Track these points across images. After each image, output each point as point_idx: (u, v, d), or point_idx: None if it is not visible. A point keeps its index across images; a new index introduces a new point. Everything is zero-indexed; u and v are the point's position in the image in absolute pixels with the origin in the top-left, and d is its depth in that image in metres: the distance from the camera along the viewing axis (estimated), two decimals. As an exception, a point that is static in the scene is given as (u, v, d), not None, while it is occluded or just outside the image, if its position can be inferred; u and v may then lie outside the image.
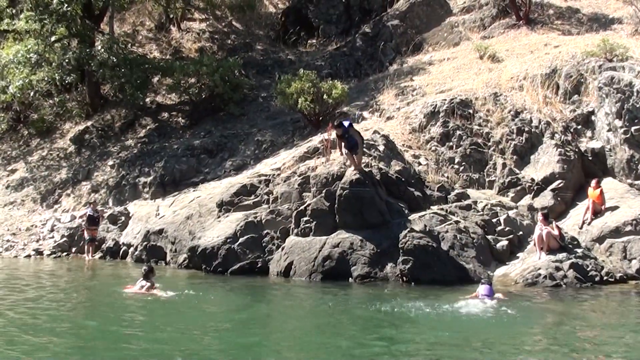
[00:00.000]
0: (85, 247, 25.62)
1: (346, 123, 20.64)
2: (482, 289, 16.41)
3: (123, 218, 26.64)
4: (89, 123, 33.52)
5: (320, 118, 27.31)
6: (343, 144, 20.50)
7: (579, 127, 23.73)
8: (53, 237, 27.23)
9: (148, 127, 32.50)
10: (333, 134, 21.35)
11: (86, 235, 25.70)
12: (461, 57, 29.28)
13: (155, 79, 33.52)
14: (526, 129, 23.73)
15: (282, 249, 20.67)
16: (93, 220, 25.64)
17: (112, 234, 26.12)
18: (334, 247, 19.61)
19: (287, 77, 27.89)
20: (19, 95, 31.72)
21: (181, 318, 14.51)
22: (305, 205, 20.87)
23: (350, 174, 20.22)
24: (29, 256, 25.84)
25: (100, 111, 34.07)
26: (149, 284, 17.04)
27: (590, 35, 27.26)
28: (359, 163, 20.34)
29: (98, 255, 25.40)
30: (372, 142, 22.49)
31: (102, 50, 30.86)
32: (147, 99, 33.20)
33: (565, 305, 16.39)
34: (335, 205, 20.05)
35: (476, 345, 12.17)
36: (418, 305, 15.44)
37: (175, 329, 13.25)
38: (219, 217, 22.66)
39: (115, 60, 30.40)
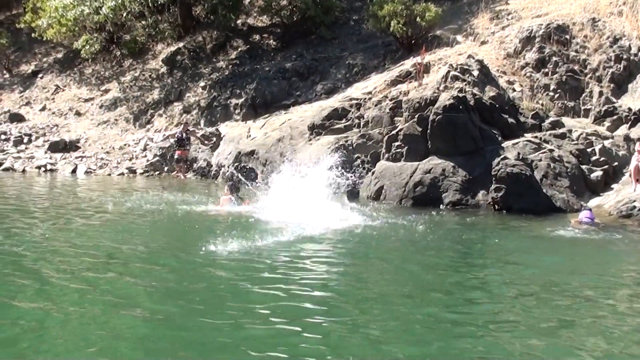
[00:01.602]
0: (176, 167, 26.20)
1: None
2: (584, 214, 16.50)
3: (214, 139, 27.12)
4: (181, 44, 33.97)
5: (413, 41, 26.96)
6: None
7: (682, 55, 22.88)
8: (146, 156, 27.88)
9: (239, 49, 32.76)
10: (426, 58, 21.11)
11: (175, 155, 26.28)
12: (559, -20, 28.33)
13: (247, 1, 33.58)
14: (625, 56, 23.00)
15: (373, 173, 20.78)
16: (181, 141, 26.15)
17: (203, 154, 26.63)
18: (425, 173, 19.58)
19: (380, -1, 27.59)
20: (111, 16, 32.21)
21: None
22: (396, 130, 20.83)
23: (444, 98, 20.04)
24: (122, 174, 26.49)
25: (192, 33, 34.45)
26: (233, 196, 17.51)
27: (699, -43, 25.98)
28: None
29: (190, 174, 25.96)
30: (467, 67, 22.17)
31: (195, -29, 31.00)
32: (239, 21, 33.41)
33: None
34: (428, 131, 19.92)
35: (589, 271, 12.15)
36: (524, 231, 15.53)
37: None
38: (310, 140, 22.87)
39: (207, -19, 30.54)
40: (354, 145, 21.69)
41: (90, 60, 35.17)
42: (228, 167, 24.60)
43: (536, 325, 8.67)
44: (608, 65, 23.03)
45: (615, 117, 22.10)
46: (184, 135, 26.27)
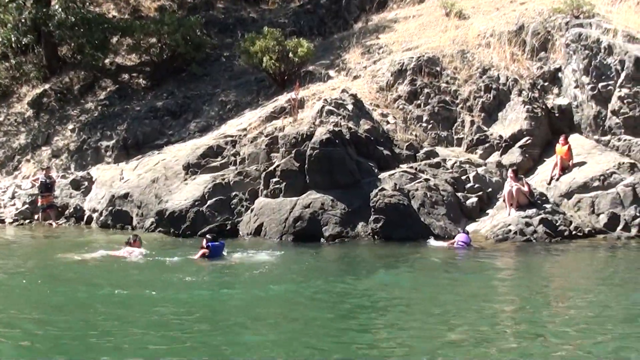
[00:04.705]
0: (41, 215, 25.00)
1: None
2: (460, 236, 17.65)
3: (86, 183, 25.94)
4: (47, 86, 32.61)
5: (286, 77, 26.83)
6: None
7: (546, 84, 23.71)
8: (14, 204, 26.38)
9: (108, 89, 31.70)
10: (300, 93, 21.08)
11: (39, 203, 25.09)
12: (427, 14, 28.97)
13: (115, 40, 32.65)
14: (494, 86, 23.69)
15: (252, 210, 20.52)
16: (46, 187, 24.98)
17: (75, 200, 25.40)
18: (304, 208, 19.51)
19: (252, 35, 27.34)
20: (-27, 57, 30.83)
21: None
22: (274, 166, 20.68)
23: (320, 133, 20.03)
24: (-10, 224, 25.06)
25: (59, 73, 33.12)
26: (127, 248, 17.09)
27: (557, -8, 27.18)
28: None
29: (62, 221, 24.75)
30: (341, 102, 22.26)
31: (59, 9, 29.79)
32: (107, 60, 32.37)
33: (536, 259, 16.99)
34: (306, 166, 19.94)
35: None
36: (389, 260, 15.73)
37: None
38: (185, 179, 22.35)
39: (73, 19, 29.48)
40: (231, 183, 21.32)
41: (-50, 104, 33.40)
42: (101, 212, 23.59)
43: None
44: (478, 95, 23.62)
45: (487, 145, 22.72)
46: (48, 180, 25.12)
